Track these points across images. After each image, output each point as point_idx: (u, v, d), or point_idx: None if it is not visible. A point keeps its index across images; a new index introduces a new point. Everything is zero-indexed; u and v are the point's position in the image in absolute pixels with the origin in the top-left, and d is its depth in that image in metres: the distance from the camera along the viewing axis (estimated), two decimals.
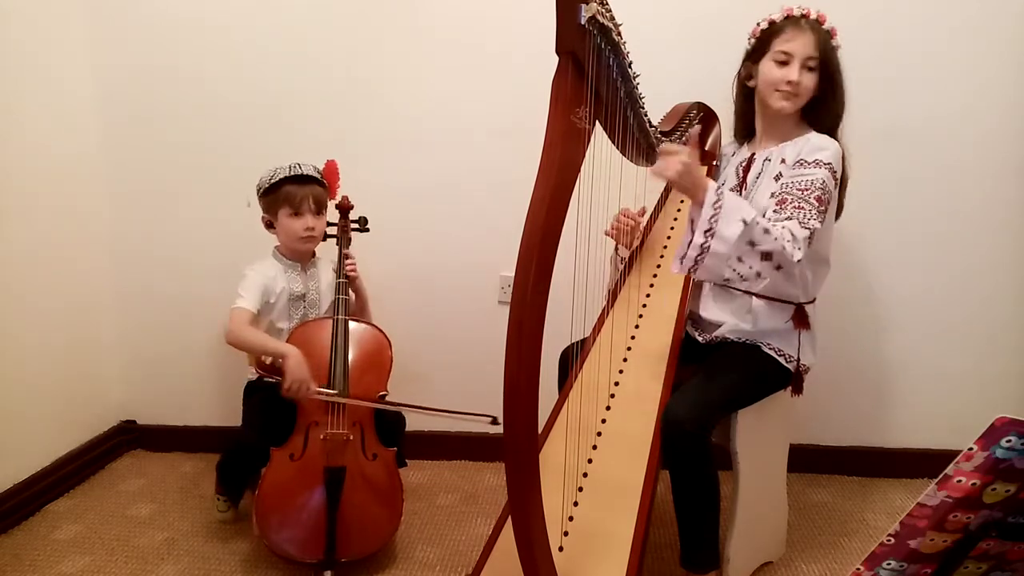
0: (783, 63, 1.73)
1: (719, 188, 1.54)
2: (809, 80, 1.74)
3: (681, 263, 1.56)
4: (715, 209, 1.52)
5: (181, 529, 2.12)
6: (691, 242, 1.53)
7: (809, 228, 1.61)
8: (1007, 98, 2.25)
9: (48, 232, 2.29)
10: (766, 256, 1.55)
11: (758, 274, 1.57)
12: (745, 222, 1.52)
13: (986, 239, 2.33)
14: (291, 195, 2.02)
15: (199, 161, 2.47)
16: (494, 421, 1.87)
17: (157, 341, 2.58)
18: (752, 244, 1.54)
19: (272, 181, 2.02)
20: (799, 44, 1.72)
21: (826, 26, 1.74)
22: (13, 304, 2.17)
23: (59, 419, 2.36)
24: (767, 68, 1.76)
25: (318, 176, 2.07)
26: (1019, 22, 2.21)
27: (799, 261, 1.59)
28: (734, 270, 1.55)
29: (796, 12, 1.75)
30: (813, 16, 1.74)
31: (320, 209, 2.08)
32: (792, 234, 1.58)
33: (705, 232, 1.52)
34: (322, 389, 1.88)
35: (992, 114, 2.26)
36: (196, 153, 2.47)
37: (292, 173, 2.02)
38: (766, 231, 1.54)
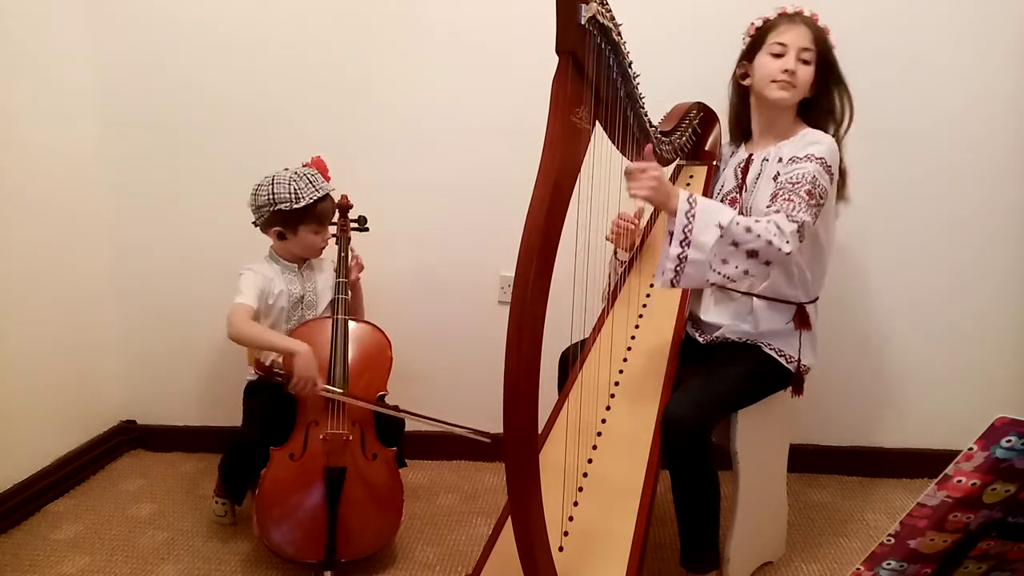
0: (779, 55, 1.74)
1: (691, 196, 1.53)
2: (805, 72, 1.74)
3: (662, 276, 1.53)
4: (688, 218, 1.51)
5: (181, 529, 2.12)
6: (668, 254, 1.52)
7: (797, 221, 1.58)
8: (1008, 100, 2.25)
9: (48, 232, 2.29)
10: (752, 254, 1.53)
11: (746, 272, 1.54)
12: (721, 226, 1.51)
13: (986, 240, 2.33)
14: (322, 214, 2.02)
15: (199, 161, 2.47)
16: (493, 439, 1.88)
17: (157, 341, 2.58)
18: (735, 244, 1.52)
19: (302, 202, 1.95)
20: (794, 35, 1.73)
21: (819, 25, 1.76)
22: (13, 304, 2.17)
23: (59, 419, 2.36)
24: (763, 62, 1.77)
25: (331, 187, 2.06)
26: (1020, 25, 2.21)
27: (789, 254, 1.55)
28: (719, 273, 1.53)
29: (790, 10, 1.78)
30: (806, 14, 1.77)
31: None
32: (778, 227, 1.55)
33: (681, 242, 1.51)
34: (329, 387, 1.88)
35: (993, 116, 2.26)
36: (196, 153, 2.47)
37: (321, 192, 1.99)
38: (748, 229, 1.52)
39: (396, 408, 1.97)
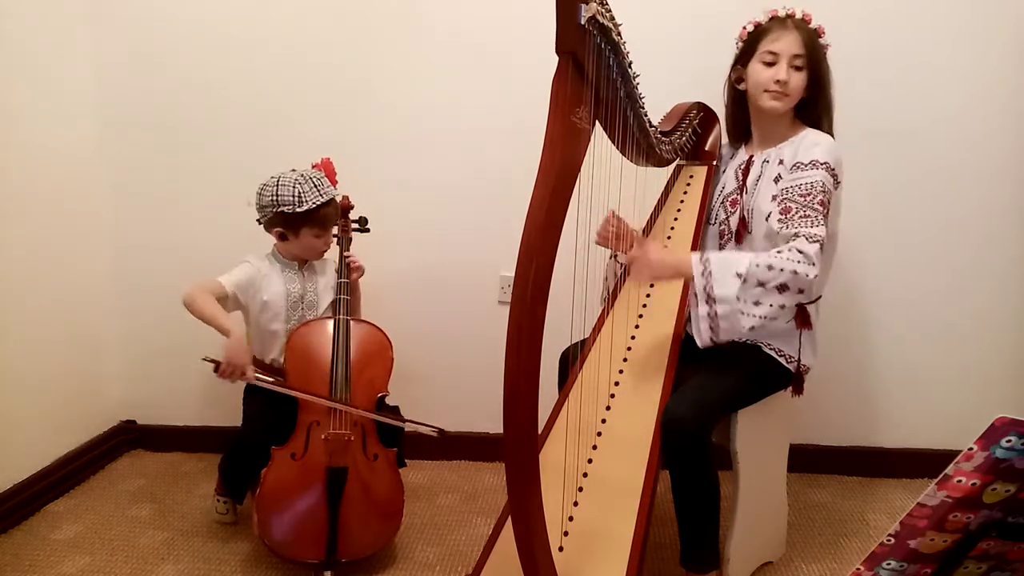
0: (770, 63, 1.74)
1: (703, 257, 1.58)
2: (797, 79, 1.74)
3: (700, 336, 1.60)
4: (705, 278, 1.58)
5: (181, 529, 2.12)
6: (699, 314, 1.58)
7: (817, 239, 1.60)
8: (1005, 100, 2.25)
9: (48, 231, 2.29)
10: (783, 288, 1.56)
11: (782, 307, 1.58)
12: (739, 274, 1.56)
13: (984, 240, 2.33)
14: (324, 218, 2.01)
15: (199, 160, 2.47)
16: (440, 433, 2.00)
17: (157, 341, 2.57)
18: (762, 285, 1.56)
19: (305, 206, 1.95)
20: (785, 43, 1.72)
21: (813, 25, 1.75)
22: (13, 304, 2.16)
23: (59, 419, 2.36)
24: (756, 70, 1.77)
25: (335, 191, 2.06)
26: (1018, 25, 2.22)
27: (816, 276, 1.58)
28: (754, 316, 1.57)
29: (781, 13, 1.76)
30: (799, 15, 1.75)
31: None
32: (801, 253, 1.57)
33: (706, 301, 1.57)
34: (259, 375, 1.88)
35: (991, 116, 2.26)
36: (196, 152, 2.47)
37: (325, 197, 1.98)
38: (770, 267, 1.56)
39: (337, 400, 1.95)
